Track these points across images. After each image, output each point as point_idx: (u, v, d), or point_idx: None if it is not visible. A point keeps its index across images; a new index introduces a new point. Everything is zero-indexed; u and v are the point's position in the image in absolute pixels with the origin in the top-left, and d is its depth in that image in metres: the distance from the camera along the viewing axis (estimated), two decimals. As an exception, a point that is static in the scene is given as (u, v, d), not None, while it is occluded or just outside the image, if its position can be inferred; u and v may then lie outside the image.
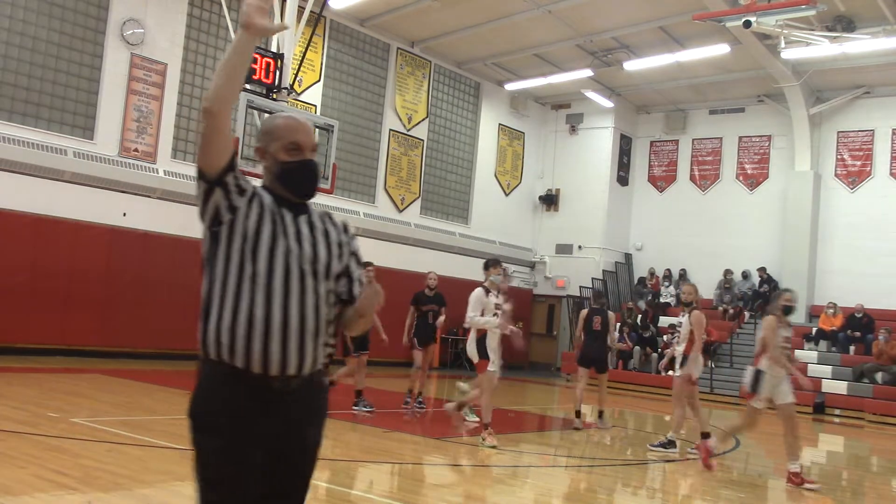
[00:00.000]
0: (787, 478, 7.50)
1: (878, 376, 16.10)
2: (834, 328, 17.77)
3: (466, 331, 8.97)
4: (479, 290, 8.42)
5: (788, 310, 7.70)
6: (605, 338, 10.74)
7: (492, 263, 8.64)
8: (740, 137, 21.28)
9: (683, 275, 21.28)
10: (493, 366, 8.34)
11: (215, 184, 2.37)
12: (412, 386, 10.82)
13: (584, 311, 11.05)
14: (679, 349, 9.03)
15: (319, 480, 6.05)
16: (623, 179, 22.76)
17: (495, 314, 8.34)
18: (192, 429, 2.37)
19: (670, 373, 9.06)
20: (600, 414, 10.84)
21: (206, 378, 2.40)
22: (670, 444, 8.92)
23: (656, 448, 8.95)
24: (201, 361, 2.41)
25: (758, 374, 7.48)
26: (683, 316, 9.09)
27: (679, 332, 9.18)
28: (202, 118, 2.31)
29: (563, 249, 22.65)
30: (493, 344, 8.33)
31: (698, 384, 9.12)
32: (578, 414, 10.41)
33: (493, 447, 8.04)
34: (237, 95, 2.36)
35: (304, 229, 2.48)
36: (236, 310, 2.35)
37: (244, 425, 2.33)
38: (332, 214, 2.64)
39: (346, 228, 2.63)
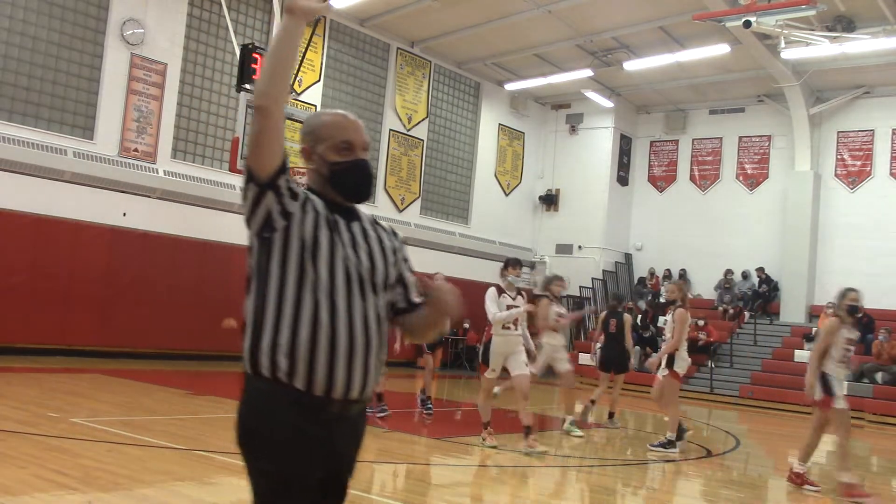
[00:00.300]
0: (788, 476, 7.45)
1: (878, 376, 16.09)
2: (834, 328, 17.75)
3: (466, 331, 9.05)
4: (492, 290, 8.19)
5: (853, 310, 7.41)
6: (621, 340, 10.92)
7: (511, 263, 8.37)
8: (740, 137, 21.28)
9: (683, 275, 21.28)
10: (492, 373, 8.20)
11: (267, 187, 2.17)
12: (425, 387, 10.52)
13: (602, 314, 11.29)
14: (665, 347, 9.18)
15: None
16: (623, 179, 22.75)
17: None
18: (247, 455, 2.21)
19: (661, 372, 9.11)
20: (610, 415, 10.91)
21: (258, 399, 2.18)
22: (670, 443, 8.94)
23: (656, 448, 8.96)
24: (250, 379, 2.20)
25: (825, 378, 7.24)
26: (669, 314, 9.25)
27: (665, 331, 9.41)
28: (254, 117, 2.14)
29: (563, 249, 22.65)
30: (499, 349, 8.09)
31: (681, 381, 9.29)
32: (612, 415, 10.90)
33: (494, 447, 8.03)
34: (289, 89, 2.26)
35: (359, 236, 2.30)
36: (296, 325, 2.14)
37: (304, 452, 2.16)
38: (377, 220, 2.48)
39: (394, 234, 2.47)
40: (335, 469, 2.26)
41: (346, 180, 2.33)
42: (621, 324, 10.92)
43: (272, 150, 2.17)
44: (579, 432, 9.61)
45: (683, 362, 9.06)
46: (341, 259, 2.21)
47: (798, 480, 7.38)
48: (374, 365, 2.23)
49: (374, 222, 2.42)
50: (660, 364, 9.15)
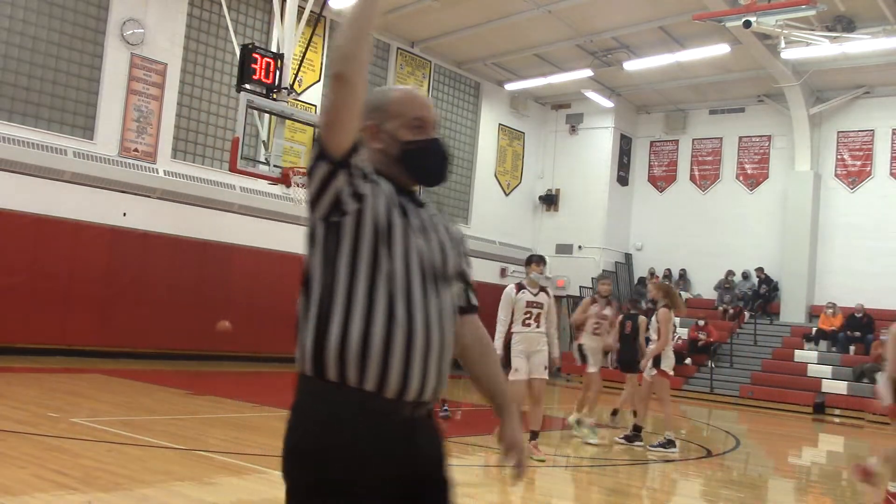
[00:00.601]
0: (885, 499, 6.21)
1: (879, 376, 16.08)
2: (834, 328, 17.77)
3: None
4: (509, 287, 7.96)
5: None
6: (634, 341, 10.91)
7: (535, 259, 8.10)
8: (740, 137, 21.28)
9: (683, 275, 21.29)
10: (517, 374, 7.75)
11: (340, 165, 1.92)
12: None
13: (619, 317, 11.25)
14: (652, 347, 9.28)
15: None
16: (623, 179, 22.75)
17: (527, 313, 7.81)
18: (304, 467, 1.92)
19: (649, 372, 9.17)
20: (614, 412, 10.92)
21: (322, 404, 1.95)
22: (669, 443, 8.94)
23: (656, 448, 8.96)
24: (310, 382, 1.99)
25: None
26: (654, 315, 9.34)
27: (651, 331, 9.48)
28: (333, 86, 1.88)
29: (563, 249, 22.65)
30: (520, 346, 7.77)
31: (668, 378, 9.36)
32: (615, 412, 10.86)
33: (542, 461, 7.66)
34: (371, 54, 1.95)
35: (428, 224, 2.11)
36: (369, 321, 1.92)
37: (376, 459, 1.92)
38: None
39: (454, 224, 2.30)
40: (420, 472, 2.02)
41: (422, 161, 2.14)
42: (636, 325, 10.90)
43: (351, 125, 1.92)
44: (595, 439, 9.29)
45: (669, 360, 9.19)
46: (415, 247, 2.01)
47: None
48: (447, 362, 2.04)
49: (439, 211, 2.23)
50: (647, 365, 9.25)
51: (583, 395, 9.82)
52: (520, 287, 7.92)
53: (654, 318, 9.31)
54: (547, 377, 7.95)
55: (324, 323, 1.96)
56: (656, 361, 9.07)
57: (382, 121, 2.12)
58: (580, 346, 9.92)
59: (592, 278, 21.34)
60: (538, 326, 7.89)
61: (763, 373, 17.52)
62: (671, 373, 9.25)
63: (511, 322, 7.91)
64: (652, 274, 21.74)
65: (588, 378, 9.79)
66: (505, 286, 9.07)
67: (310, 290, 2.02)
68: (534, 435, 7.82)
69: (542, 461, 7.69)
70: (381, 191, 2.01)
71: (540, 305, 7.90)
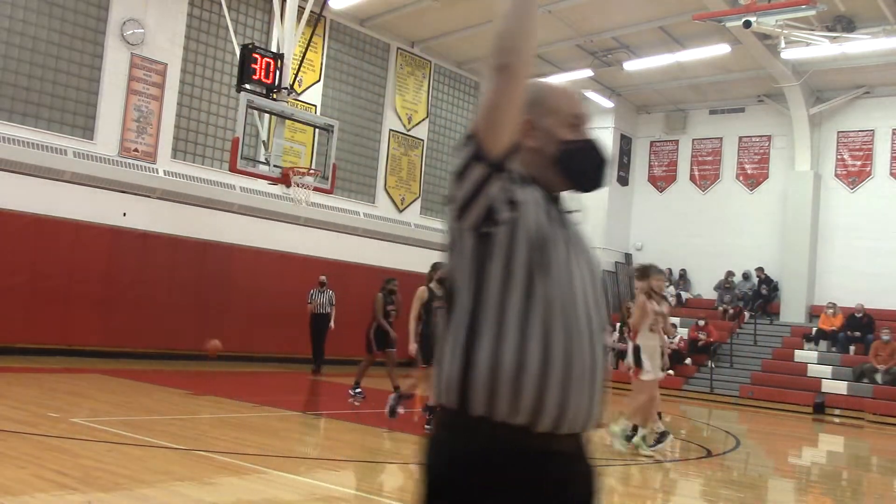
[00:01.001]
0: None
1: (878, 376, 16.10)
2: (834, 328, 17.77)
3: None
4: None
5: None
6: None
7: None
8: (740, 137, 21.28)
9: (683, 275, 21.29)
10: None
11: (498, 168, 1.71)
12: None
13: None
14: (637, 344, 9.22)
15: (320, 481, 6.06)
16: (623, 179, 22.76)
17: None
18: None
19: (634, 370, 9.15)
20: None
21: (468, 441, 1.73)
22: (663, 436, 8.84)
23: (654, 448, 8.95)
24: (453, 416, 1.75)
25: None
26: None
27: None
28: (495, 79, 1.70)
29: (563, 249, 22.63)
30: None
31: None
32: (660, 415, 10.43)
33: None
34: (535, 44, 1.76)
35: (574, 236, 1.86)
36: (523, 346, 1.71)
37: (531, 499, 1.74)
38: None
39: None
40: None
41: (581, 163, 1.93)
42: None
43: (513, 121, 1.72)
44: (648, 450, 8.50)
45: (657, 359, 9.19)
46: (569, 263, 1.80)
47: None
48: (602, 389, 1.83)
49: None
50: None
51: (641, 404, 8.67)
52: None
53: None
54: None
55: (471, 349, 1.73)
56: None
57: (539, 117, 1.90)
58: (637, 349, 8.77)
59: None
60: None
61: (763, 373, 17.52)
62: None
63: None
64: (652, 274, 21.72)
65: (641, 385, 8.65)
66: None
67: (454, 310, 1.79)
68: None
69: None
70: (531, 196, 1.80)
71: None
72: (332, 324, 15.29)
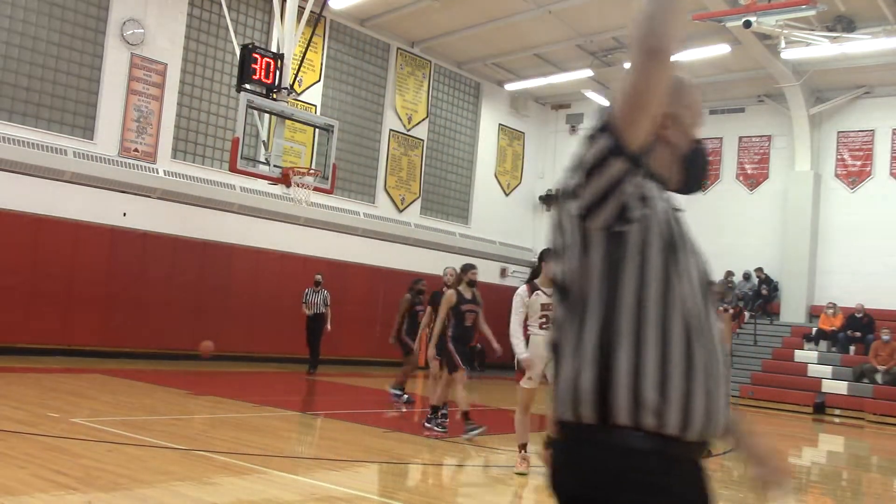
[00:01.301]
0: None
1: (878, 376, 16.10)
2: (834, 328, 17.77)
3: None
4: (521, 288, 7.10)
5: None
6: None
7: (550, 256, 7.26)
8: (740, 137, 21.27)
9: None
10: (530, 382, 7.07)
11: (636, 161, 1.61)
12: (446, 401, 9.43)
13: None
14: None
15: (320, 481, 6.06)
16: (623, 179, 22.75)
17: (543, 316, 6.96)
18: None
19: None
20: None
21: (616, 457, 1.59)
22: None
23: None
24: (592, 431, 1.62)
25: None
26: None
27: None
28: (642, 64, 1.56)
29: (563, 249, 22.63)
30: (537, 351, 6.90)
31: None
32: None
33: (523, 474, 6.97)
34: (684, 25, 1.62)
35: (688, 234, 1.82)
36: (665, 349, 1.61)
37: None
38: None
39: None
40: None
41: (701, 164, 1.86)
42: None
43: (656, 112, 1.61)
44: None
45: None
46: (695, 262, 1.73)
47: None
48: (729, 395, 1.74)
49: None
50: None
51: None
52: (532, 288, 7.09)
53: None
54: None
55: (608, 358, 1.60)
56: None
57: (678, 110, 1.80)
58: None
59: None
60: None
61: (763, 373, 17.52)
62: None
63: (525, 326, 7.18)
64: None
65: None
66: (504, 287, 8.91)
67: (584, 315, 1.65)
68: (521, 447, 7.15)
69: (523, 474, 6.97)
70: (658, 193, 1.70)
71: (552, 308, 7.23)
72: (328, 325, 14.97)
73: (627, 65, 1.56)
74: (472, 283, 8.95)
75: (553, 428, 1.72)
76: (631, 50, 1.58)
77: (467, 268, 9.05)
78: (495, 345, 8.90)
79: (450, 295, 8.87)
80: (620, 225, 1.61)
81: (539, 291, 7.01)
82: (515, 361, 7.11)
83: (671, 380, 1.59)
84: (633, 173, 1.60)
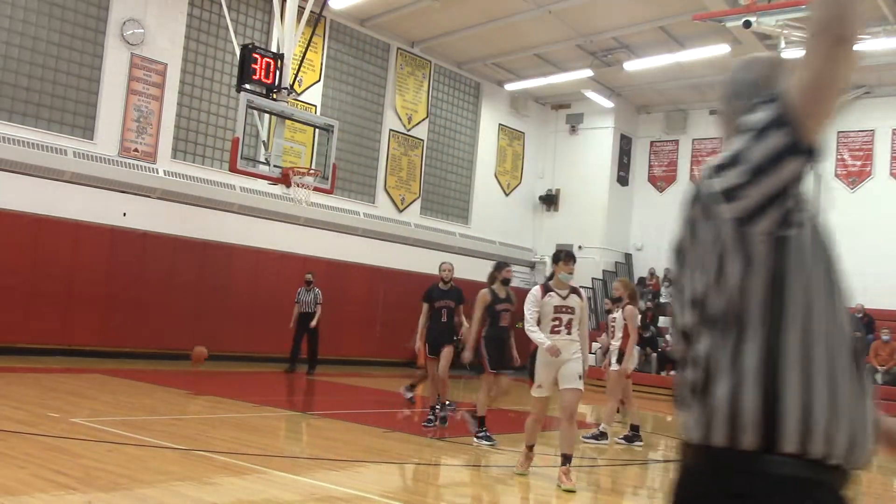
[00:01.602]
0: None
1: (878, 376, 16.11)
2: (834, 328, 17.78)
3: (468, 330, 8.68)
4: (535, 289, 6.85)
5: None
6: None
7: (563, 257, 6.83)
8: (740, 137, 21.27)
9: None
10: (540, 391, 6.79)
11: (811, 158, 1.46)
12: (439, 394, 9.35)
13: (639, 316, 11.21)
14: (615, 344, 9.36)
15: (320, 481, 6.06)
16: (623, 179, 22.76)
17: (556, 319, 6.73)
18: None
19: (612, 367, 9.31)
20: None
21: (776, 488, 1.44)
22: (602, 435, 9.12)
23: (588, 440, 9.05)
24: (740, 458, 1.46)
25: None
26: (617, 311, 9.43)
27: (613, 327, 9.50)
28: (825, 52, 1.42)
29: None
30: (548, 358, 6.67)
31: (631, 378, 9.51)
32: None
33: (523, 475, 6.89)
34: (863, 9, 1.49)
35: None
36: (834, 373, 1.47)
37: None
38: None
39: None
40: None
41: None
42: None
43: (835, 104, 1.47)
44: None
45: (633, 358, 9.34)
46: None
47: None
48: None
49: None
50: (610, 361, 9.40)
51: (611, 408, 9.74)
52: (546, 289, 6.80)
53: (619, 315, 9.36)
54: (582, 388, 6.71)
55: (774, 379, 1.45)
56: (619, 358, 9.19)
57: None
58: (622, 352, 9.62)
59: (593, 278, 21.35)
60: (569, 333, 6.74)
61: (763, 373, 17.51)
62: (630, 371, 9.30)
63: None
64: (652, 274, 21.75)
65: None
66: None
67: (742, 329, 1.49)
68: (566, 460, 6.56)
69: (573, 492, 6.44)
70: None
71: (571, 310, 6.76)
72: (314, 322, 14.83)
73: (802, 52, 1.45)
74: (507, 282, 8.64)
75: (685, 452, 1.57)
76: (814, 38, 1.45)
77: (501, 266, 8.71)
78: (514, 353, 8.77)
79: (483, 294, 8.44)
80: (784, 229, 1.48)
81: (553, 293, 6.78)
82: (528, 367, 6.95)
83: (839, 405, 1.45)
84: (807, 173, 1.46)
